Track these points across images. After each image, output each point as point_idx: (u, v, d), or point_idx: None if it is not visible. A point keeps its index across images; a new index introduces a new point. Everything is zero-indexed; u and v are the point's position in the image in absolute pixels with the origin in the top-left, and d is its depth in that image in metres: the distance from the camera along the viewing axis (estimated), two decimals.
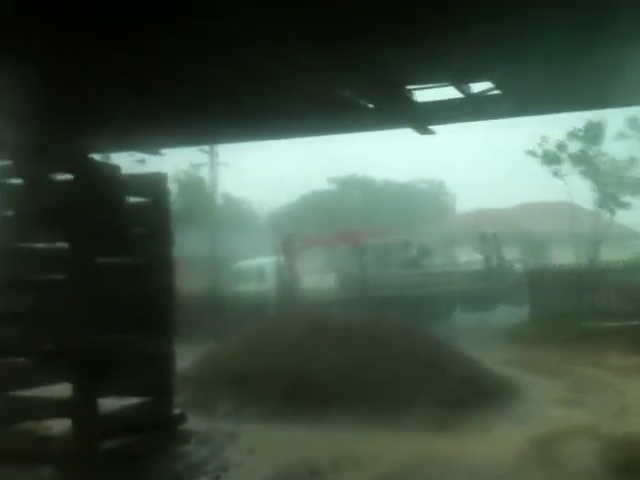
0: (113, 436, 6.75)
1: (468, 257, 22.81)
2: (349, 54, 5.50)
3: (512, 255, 21.10)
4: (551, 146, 22.58)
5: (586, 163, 22.11)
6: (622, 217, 23.93)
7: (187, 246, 17.84)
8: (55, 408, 6.67)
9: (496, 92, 6.42)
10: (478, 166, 59.76)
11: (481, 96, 6.47)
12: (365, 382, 8.46)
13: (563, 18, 4.93)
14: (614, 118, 20.47)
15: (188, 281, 17.05)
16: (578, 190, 23.39)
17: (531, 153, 22.92)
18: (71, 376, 6.45)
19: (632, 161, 22.67)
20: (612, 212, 22.76)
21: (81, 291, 6.60)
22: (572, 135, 22.11)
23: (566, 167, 22.54)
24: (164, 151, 8.32)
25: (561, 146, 22.42)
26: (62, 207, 6.73)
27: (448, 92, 6.48)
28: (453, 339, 11.00)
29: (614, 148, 22.16)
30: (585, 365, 10.91)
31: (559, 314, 15.23)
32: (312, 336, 9.41)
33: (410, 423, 7.40)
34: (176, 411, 7.44)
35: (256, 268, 23.66)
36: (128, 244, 7.36)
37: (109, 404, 6.77)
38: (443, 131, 7.44)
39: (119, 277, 7.15)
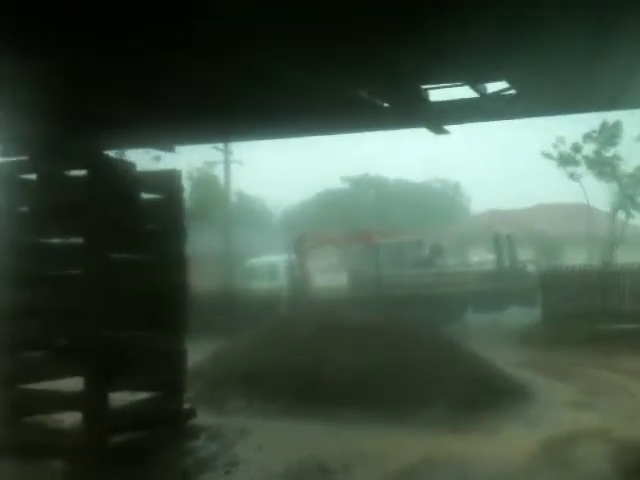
0: (123, 430, 6.80)
1: (480, 257, 22.73)
2: (364, 53, 5.50)
3: (526, 256, 21.00)
4: (567, 147, 22.44)
5: (602, 164, 21.93)
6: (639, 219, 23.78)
7: (200, 243, 17.92)
8: (66, 401, 6.73)
9: (511, 92, 6.39)
10: (493, 166, 59.53)
11: (496, 96, 6.45)
12: (376, 381, 8.46)
13: (579, 17, 4.90)
14: (635, 120, 20.27)
15: (201, 278, 17.13)
16: (594, 192, 23.25)
17: (547, 155, 22.81)
18: (84, 370, 6.50)
19: None
20: (629, 214, 22.58)
21: (95, 287, 6.64)
22: (588, 137, 21.94)
23: (582, 168, 22.40)
24: (179, 148, 8.36)
25: (576, 147, 22.27)
26: (77, 203, 6.77)
27: (463, 92, 6.47)
28: (465, 339, 10.97)
29: (634, 150, 21.87)
30: (597, 368, 10.84)
31: (572, 316, 15.14)
32: (324, 334, 9.41)
33: (421, 423, 7.38)
34: (186, 406, 7.48)
35: (268, 266, 23.70)
36: (142, 240, 7.40)
37: (119, 399, 6.82)
38: (458, 131, 7.44)
39: (132, 273, 7.20)
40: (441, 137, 7.43)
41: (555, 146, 22.54)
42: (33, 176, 7.17)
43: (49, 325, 6.81)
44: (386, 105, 6.76)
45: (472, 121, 7.09)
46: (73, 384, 6.63)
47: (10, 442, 6.63)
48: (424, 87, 6.50)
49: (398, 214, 38.82)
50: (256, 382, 8.64)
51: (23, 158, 7.07)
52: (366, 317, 10.55)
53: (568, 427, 7.32)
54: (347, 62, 5.69)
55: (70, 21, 4.97)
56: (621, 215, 23.03)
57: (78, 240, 6.90)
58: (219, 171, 31.49)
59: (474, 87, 6.35)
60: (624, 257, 19.69)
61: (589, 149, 22.24)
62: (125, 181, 7.23)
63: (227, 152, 29.89)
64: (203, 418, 7.57)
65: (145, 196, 7.56)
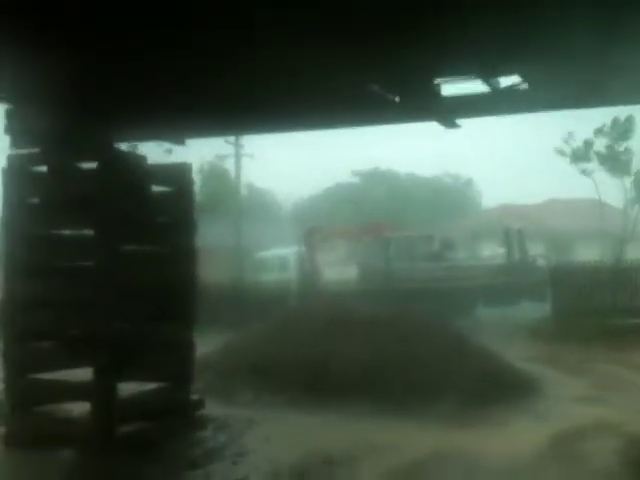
0: (131, 421, 6.85)
1: (491, 252, 22.65)
2: (376, 48, 5.49)
3: (537, 251, 20.92)
4: (578, 143, 22.27)
5: (614, 160, 21.76)
6: None
7: (211, 236, 17.96)
8: (76, 391, 6.79)
9: (523, 86, 6.36)
10: (504, 161, 59.26)
11: (509, 90, 6.42)
12: (386, 374, 8.46)
13: (592, 13, 4.87)
14: None
15: (211, 271, 17.19)
16: (606, 187, 23.09)
17: (559, 151, 22.66)
18: (93, 361, 6.55)
19: None
20: None
21: (105, 279, 6.69)
22: (599, 132, 21.76)
23: (593, 164, 22.23)
24: (190, 142, 8.37)
25: (588, 143, 22.10)
26: (87, 195, 6.81)
27: (474, 86, 6.45)
28: (475, 333, 10.95)
29: None
30: (607, 362, 10.79)
31: (582, 311, 15.09)
32: (333, 327, 9.42)
33: (430, 416, 7.38)
34: (194, 397, 7.53)
35: (278, 259, 23.73)
36: (152, 233, 7.44)
37: (128, 389, 6.86)
38: (469, 126, 7.41)
39: (142, 265, 7.24)
40: (452, 132, 7.41)
41: (566, 141, 22.37)
42: (44, 168, 7.22)
43: (60, 316, 6.87)
44: (397, 99, 6.75)
45: (484, 115, 7.07)
46: (82, 374, 6.68)
47: (20, 431, 6.70)
48: (435, 81, 6.48)
49: (409, 208, 38.73)
50: (265, 374, 8.67)
51: (34, 150, 7.11)
52: (376, 310, 10.55)
53: (577, 421, 7.29)
54: (358, 56, 5.69)
55: (81, 17, 5.01)
56: (633, 211, 22.86)
57: (89, 232, 6.94)
58: (230, 164, 31.53)
59: (486, 81, 6.32)
60: (636, 253, 19.58)
61: (600, 144, 22.06)
62: (136, 174, 7.26)
63: (238, 146, 29.90)
64: (211, 409, 7.61)
65: (156, 189, 7.58)
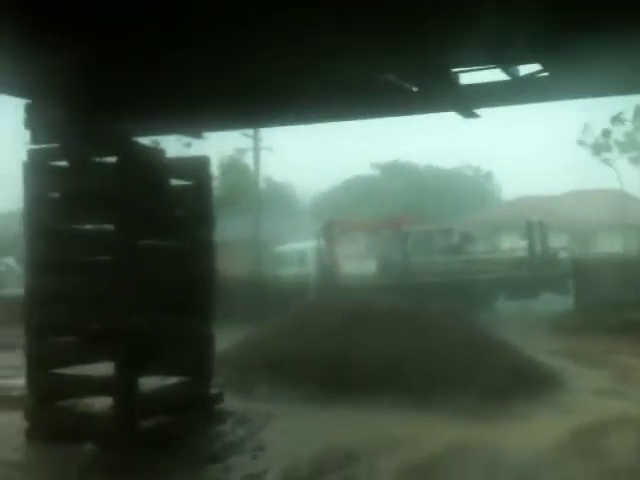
0: (152, 415, 6.88)
1: (512, 244, 22.50)
2: (394, 36, 5.44)
3: (559, 243, 20.73)
4: (597, 132, 22.03)
5: (635, 148, 21.47)
6: None
7: (230, 230, 18.02)
8: (97, 386, 6.83)
9: (543, 74, 6.26)
10: (524, 153, 58.72)
11: (529, 78, 6.33)
12: (405, 368, 8.42)
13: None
14: None
15: (230, 265, 17.24)
16: (629, 177, 22.82)
17: (579, 141, 22.43)
18: (114, 356, 6.58)
19: None
20: None
21: (125, 273, 6.70)
22: (616, 119, 21.44)
23: (614, 153, 21.95)
24: (209, 136, 8.36)
25: (606, 131, 21.80)
26: (107, 190, 6.83)
27: (493, 75, 6.37)
28: (496, 327, 10.87)
29: None
30: (630, 356, 10.66)
31: (604, 304, 14.91)
32: (352, 321, 9.40)
33: (450, 410, 7.34)
34: (213, 391, 7.55)
35: (296, 253, 23.75)
36: (171, 227, 7.45)
37: (148, 383, 6.89)
38: (488, 118, 7.32)
39: (161, 260, 7.26)
40: (471, 124, 7.34)
41: (585, 131, 22.10)
42: (64, 163, 7.25)
43: (80, 311, 6.91)
44: (415, 89, 6.68)
45: (504, 104, 6.96)
46: (104, 369, 6.72)
47: (42, 425, 6.76)
48: (454, 70, 6.41)
49: (428, 201, 38.58)
50: (284, 368, 8.67)
51: (54, 145, 7.15)
52: (395, 304, 10.50)
53: (599, 415, 7.22)
54: (376, 46, 5.63)
55: (101, 10, 5.02)
56: None
57: (108, 226, 6.97)
58: (248, 158, 31.59)
59: (506, 70, 6.24)
60: None
61: (619, 132, 21.77)
62: (154, 168, 7.27)
63: (257, 139, 29.94)
64: (231, 403, 7.62)
65: (174, 183, 7.59)
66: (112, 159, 6.96)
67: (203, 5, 4.96)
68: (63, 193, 7.21)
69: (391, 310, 9.87)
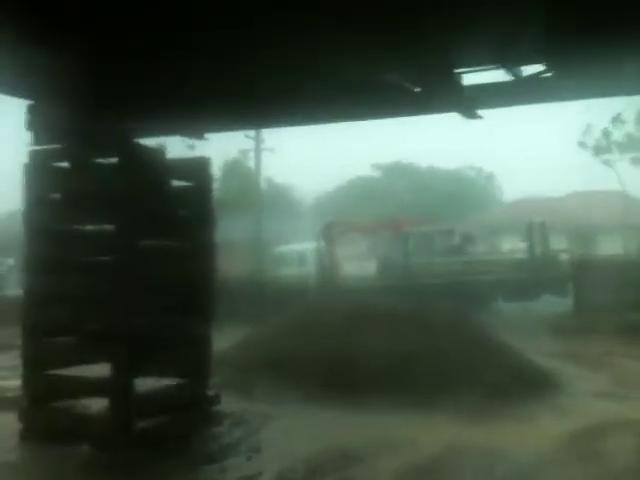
0: (148, 416, 6.87)
1: (512, 246, 22.49)
2: (395, 36, 5.44)
3: (559, 245, 20.72)
4: (597, 134, 21.98)
5: (636, 149, 21.43)
6: None
7: (231, 231, 18.02)
8: (93, 387, 6.81)
9: (546, 75, 6.26)
10: (525, 154, 58.71)
11: (531, 79, 6.32)
12: (405, 369, 8.42)
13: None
14: None
15: (231, 265, 17.24)
16: (629, 179, 22.79)
17: (580, 142, 22.40)
18: (111, 356, 6.58)
19: None
20: None
21: (125, 274, 6.70)
22: (616, 120, 21.37)
23: (615, 155, 21.91)
24: (211, 137, 8.36)
25: (606, 132, 21.74)
26: (108, 190, 6.84)
27: (496, 75, 6.37)
28: (495, 328, 10.87)
29: None
30: (630, 358, 10.64)
31: (605, 306, 14.90)
32: (352, 322, 9.39)
33: (450, 410, 7.34)
34: (211, 392, 7.54)
35: (296, 253, 23.75)
36: (171, 228, 7.45)
37: (144, 384, 6.88)
38: (490, 120, 7.32)
39: (161, 260, 7.25)
40: (474, 124, 7.31)
41: (585, 133, 22.06)
42: (66, 164, 7.26)
43: (78, 311, 6.89)
44: (417, 90, 6.68)
45: (506, 105, 6.94)
46: (100, 370, 6.71)
47: (37, 426, 6.74)
48: (457, 71, 6.40)
49: (430, 202, 38.55)
50: (283, 369, 8.66)
51: (55, 146, 7.16)
52: (395, 305, 10.51)
53: (598, 417, 7.21)
54: (378, 46, 5.64)
55: (102, 10, 5.03)
56: None
57: (109, 227, 6.97)
58: (250, 159, 31.63)
59: (509, 70, 6.23)
60: None
61: (619, 133, 21.73)
62: (155, 168, 7.27)
63: (258, 140, 29.96)
64: (228, 404, 7.61)
65: (175, 184, 7.60)
66: (113, 160, 6.97)
67: (203, 5, 4.97)
68: (64, 194, 7.21)
69: (392, 311, 9.87)
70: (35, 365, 6.96)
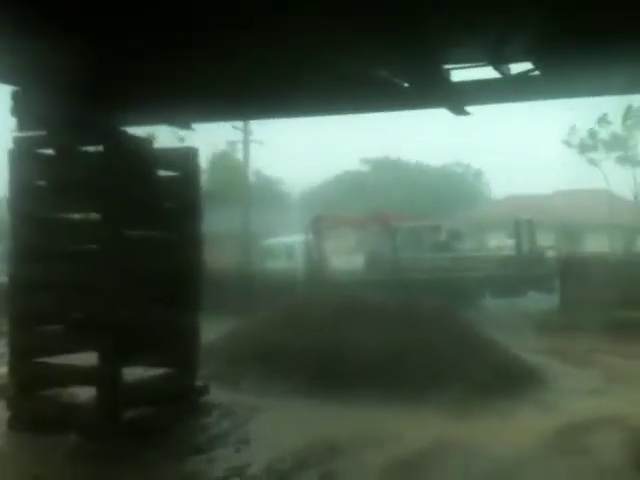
0: (136, 406, 6.85)
1: (499, 242, 22.58)
2: (387, 33, 5.41)
3: (546, 242, 20.81)
4: (583, 133, 22.11)
5: (622, 148, 21.58)
6: None
7: (218, 222, 17.96)
8: (81, 376, 6.79)
9: (535, 73, 6.26)
10: (514, 151, 58.95)
11: (520, 77, 6.32)
12: (391, 363, 8.43)
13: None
14: None
15: (218, 257, 17.17)
16: (615, 177, 22.96)
17: (566, 141, 22.50)
18: (98, 345, 6.53)
19: None
20: None
21: (111, 263, 6.65)
22: (602, 120, 21.53)
23: (600, 154, 22.03)
24: (199, 128, 8.31)
25: (592, 132, 21.88)
26: (94, 178, 6.77)
27: (485, 72, 6.36)
28: (482, 324, 10.89)
29: None
30: (615, 355, 10.71)
31: (591, 303, 14.96)
32: (340, 315, 9.38)
33: (435, 405, 7.35)
34: (199, 383, 7.51)
35: (284, 246, 23.71)
36: (157, 218, 7.40)
37: (133, 374, 6.85)
38: (479, 115, 7.32)
39: (148, 250, 7.21)
40: (462, 121, 7.33)
41: (571, 132, 22.18)
42: (51, 151, 7.18)
43: (65, 300, 6.85)
44: (406, 85, 6.66)
45: (494, 102, 6.96)
46: (88, 359, 6.67)
47: (24, 415, 6.70)
48: (446, 67, 6.39)
49: (418, 197, 38.64)
50: (271, 361, 8.65)
51: (41, 133, 7.07)
52: (383, 299, 10.50)
53: (583, 414, 7.24)
54: (368, 42, 5.61)
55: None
56: None
57: (95, 216, 6.91)
58: (238, 151, 31.54)
59: (497, 68, 6.23)
60: None
61: (605, 132, 21.87)
62: (142, 158, 7.21)
63: (247, 132, 29.85)
64: (217, 395, 7.60)
65: (162, 173, 7.54)
66: (99, 148, 6.90)
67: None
68: (49, 181, 7.14)
69: (380, 305, 9.86)
70: (22, 353, 6.92)
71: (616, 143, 21.44)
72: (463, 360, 8.58)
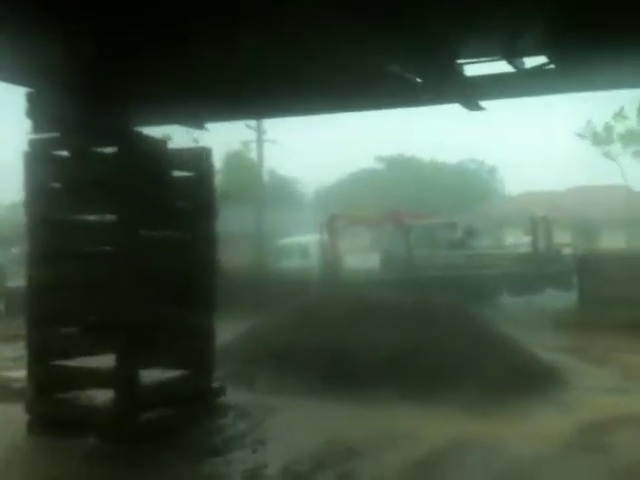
0: (153, 408, 6.84)
1: (515, 239, 22.44)
2: (399, 27, 5.37)
3: (563, 239, 20.66)
4: (599, 128, 21.90)
5: (638, 143, 21.36)
6: None
7: (233, 222, 17.97)
8: (98, 378, 6.79)
9: (549, 67, 6.19)
10: (530, 147, 58.56)
11: (535, 71, 6.26)
12: (407, 362, 8.37)
13: None
14: None
15: (233, 257, 17.19)
16: (633, 173, 22.70)
17: (581, 135, 22.29)
18: (114, 347, 6.54)
19: None
20: None
21: (127, 264, 6.65)
22: (618, 115, 21.32)
23: (617, 148, 21.81)
24: (213, 128, 8.30)
25: (608, 126, 21.66)
26: (108, 179, 6.78)
27: (499, 67, 6.30)
28: (499, 322, 10.81)
29: None
30: (634, 353, 10.59)
31: (608, 300, 14.83)
32: (355, 314, 9.34)
33: (452, 404, 7.29)
34: (215, 384, 7.51)
35: (299, 246, 23.71)
36: (172, 218, 7.40)
37: (149, 376, 6.85)
38: (494, 111, 7.26)
39: (162, 251, 7.20)
40: (477, 117, 7.27)
41: (587, 127, 21.97)
42: (65, 153, 7.20)
43: (82, 302, 6.86)
44: (420, 80, 6.61)
45: (509, 97, 6.89)
46: (106, 361, 6.68)
47: (43, 418, 6.72)
48: (459, 61, 6.34)
49: (433, 195, 38.51)
50: (286, 361, 8.62)
51: (55, 134, 7.09)
52: (398, 298, 10.44)
53: (603, 412, 7.16)
54: (381, 36, 5.57)
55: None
56: None
57: (110, 217, 6.92)
58: (252, 150, 31.58)
59: (511, 62, 6.17)
60: None
61: (621, 126, 21.65)
62: (156, 158, 7.21)
63: (260, 131, 29.87)
64: (232, 396, 7.58)
65: (176, 174, 7.54)
66: (114, 149, 6.90)
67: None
68: (64, 183, 7.15)
69: (394, 304, 9.80)
70: (40, 356, 6.93)
71: (632, 138, 21.21)
72: (479, 358, 8.51)
